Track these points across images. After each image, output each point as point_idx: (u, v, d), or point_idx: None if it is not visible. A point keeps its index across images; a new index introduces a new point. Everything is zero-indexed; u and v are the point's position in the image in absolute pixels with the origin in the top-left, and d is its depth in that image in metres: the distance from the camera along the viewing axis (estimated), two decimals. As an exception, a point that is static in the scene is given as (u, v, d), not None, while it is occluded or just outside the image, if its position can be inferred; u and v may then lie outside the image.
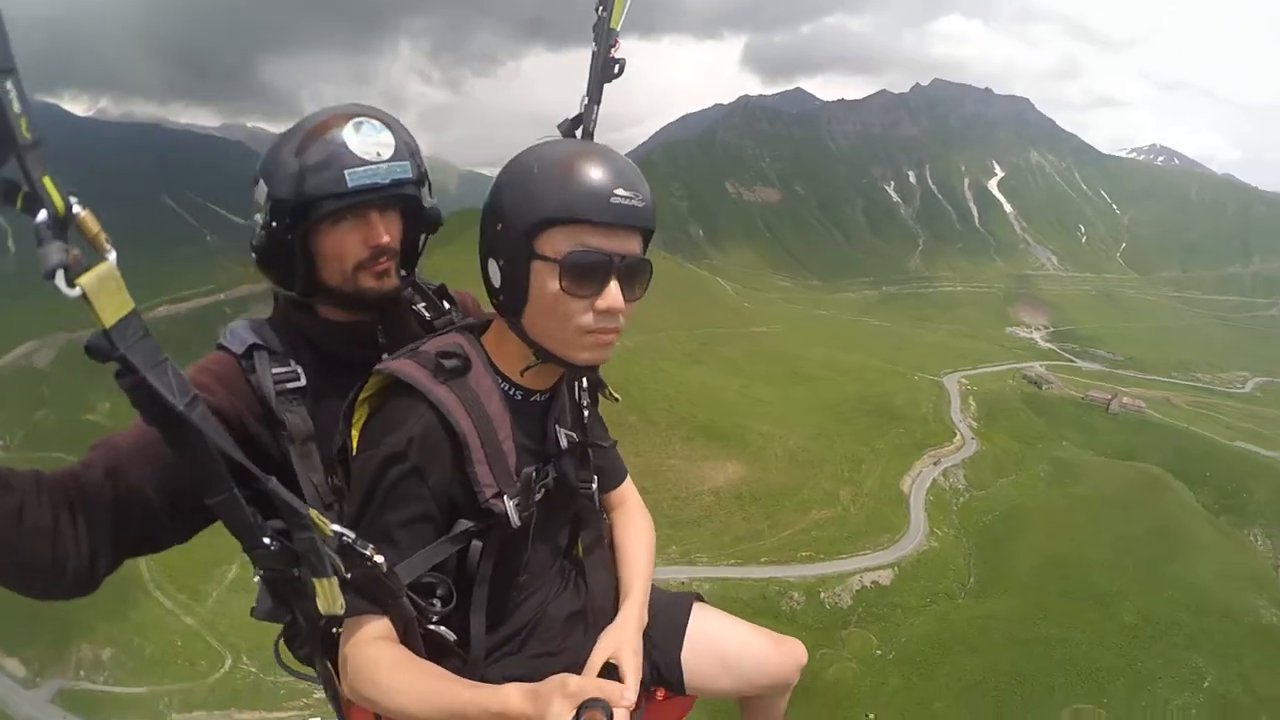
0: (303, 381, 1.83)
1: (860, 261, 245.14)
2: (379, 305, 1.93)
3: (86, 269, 0.98)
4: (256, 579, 1.84)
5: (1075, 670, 51.50)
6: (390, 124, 1.84)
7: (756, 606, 58.34)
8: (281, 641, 2.09)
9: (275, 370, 1.82)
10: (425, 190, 1.94)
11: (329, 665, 1.85)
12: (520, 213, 1.54)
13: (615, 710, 1.26)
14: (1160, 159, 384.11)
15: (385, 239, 1.84)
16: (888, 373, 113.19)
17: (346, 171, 1.75)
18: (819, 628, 58.23)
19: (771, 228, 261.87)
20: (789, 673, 2.31)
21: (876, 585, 63.30)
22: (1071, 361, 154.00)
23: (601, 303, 1.55)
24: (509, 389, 1.72)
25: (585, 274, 1.53)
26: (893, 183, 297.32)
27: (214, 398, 1.71)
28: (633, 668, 1.72)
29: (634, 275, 1.60)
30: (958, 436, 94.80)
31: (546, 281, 1.54)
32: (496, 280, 1.63)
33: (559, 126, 2.22)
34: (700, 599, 2.30)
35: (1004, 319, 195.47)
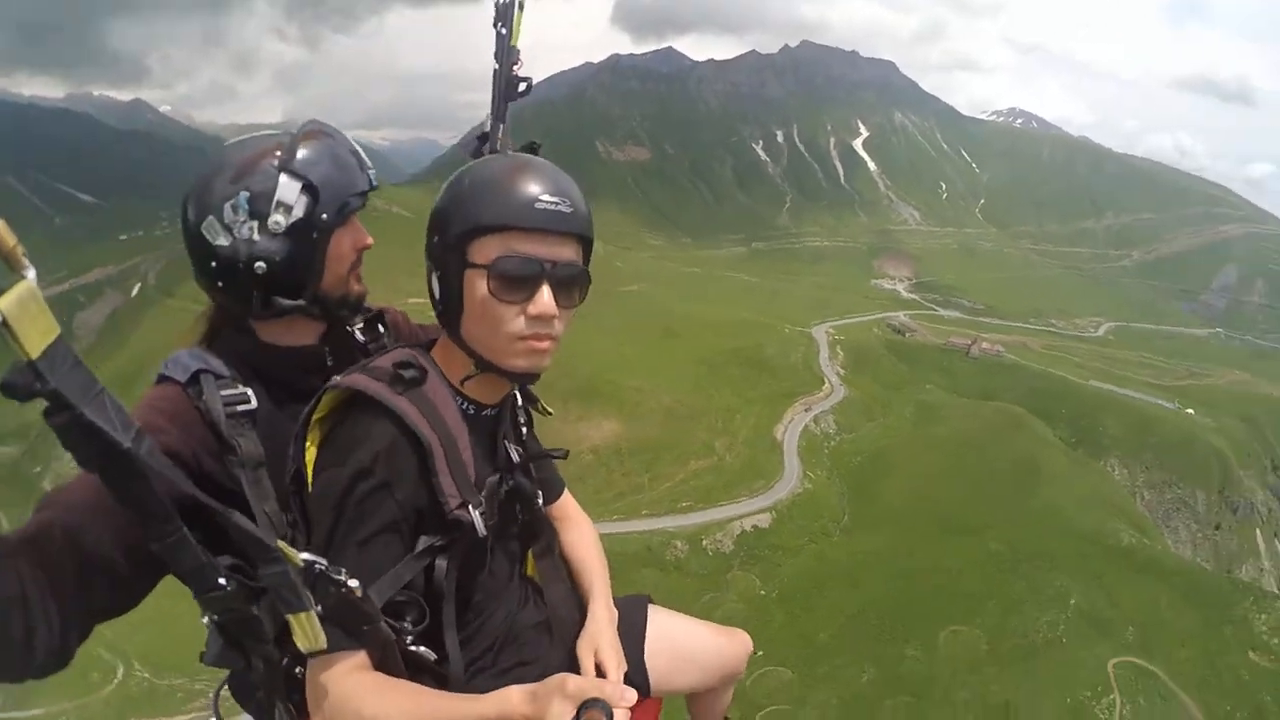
0: (253, 404, 1.73)
1: (730, 219, 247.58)
2: (357, 309, 1.96)
3: (3, 290, 0.84)
4: (205, 621, 1.64)
5: (949, 596, 53.07)
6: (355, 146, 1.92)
7: (643, 558, 58.35)
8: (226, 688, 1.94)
9: (224, 393, 1.70)
10: None
11: (290, 708, 1.73)
12: (453, 223, 1.56)
13: (615, 710, 1.24)
14: (1019, 121, 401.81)
15: (370, 240, 1.90)
16: (758, 325, 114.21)
17: (370, 172, 1.87)
18: (704, 574, 58.87)
19: (642, 186, 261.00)
20: (740, 661, 2.37)
21: (756, 529, 64.22)
22: (933, 310, 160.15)
23: (533, 309, 1.56)
24: (461, 403, 1.70)
25: (515, 279, 1.54)
26: (761, 141, 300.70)
27: (167, 439, 1.59)
28: (616, 665, 1.80)
29: (570, 283, 1.60)
30: (826, 384, 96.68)
31: (478, 288, 1.55)
32: (436, 292, 1.64)
33: (466, 147, 2.21)
34: (651, 600, 2.29)
35: (869, 272, 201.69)
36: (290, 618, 1.32)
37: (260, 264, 1.73)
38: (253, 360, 1.81)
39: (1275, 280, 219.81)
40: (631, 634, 2.09)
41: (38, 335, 0.89)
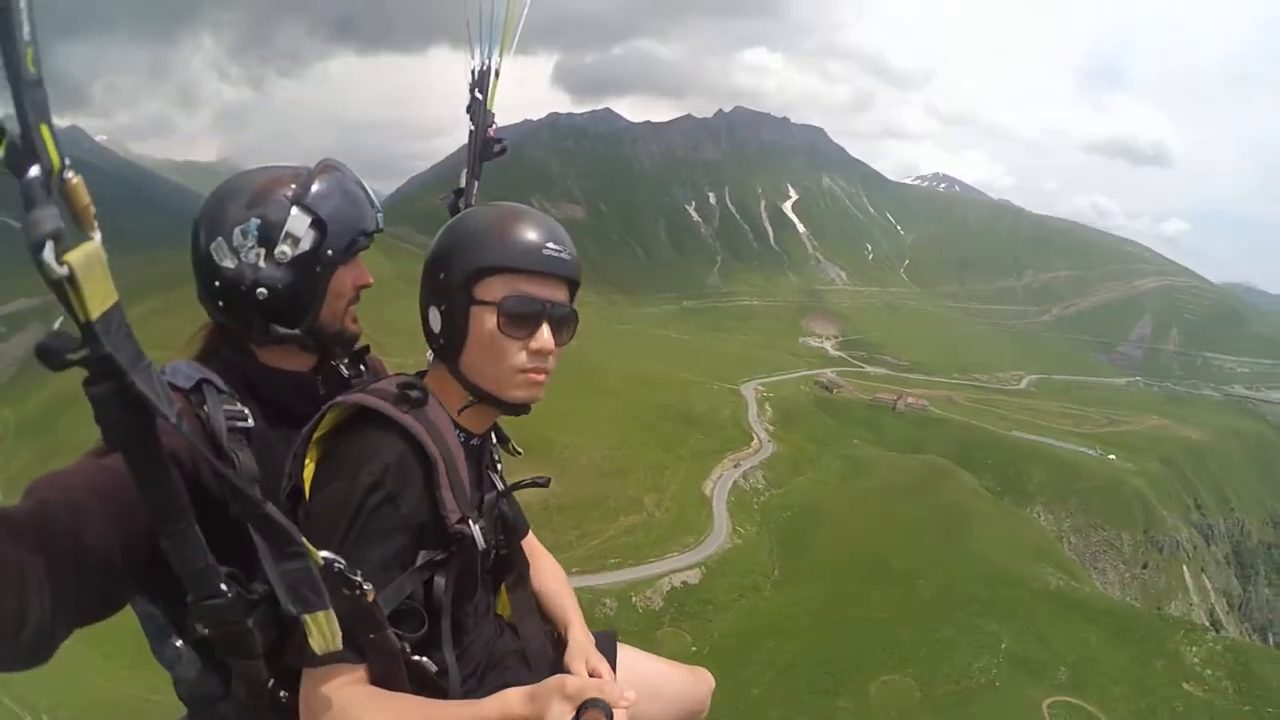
0: (251, 422, 1.74)
1: (662, 277, 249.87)
2: (350, 346, 1.99)
3: (73, 246, 0.82)
4: (180, 644, 1.61)
5: (880, 645, 52.85)
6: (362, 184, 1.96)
7: (571, 617, 57.33)
8: None
9: (225, 408, 1.71)
10: None
11: None
12: (462, 263, 1.66)
13: (615, 710, 1.25)
14: (943, 186, 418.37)
15: (371, 279, 1.94)
16: (688, 383, 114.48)
17: (378, 215, 1.91)
18: (634, 630, 57.53)
19: (577, 244, 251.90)
20: (703, 697, 2.44)
21: (686, 585, 63.41)
22: (860, 367, 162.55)
23: (535, 344, 1.67)
24: (455, 429, 1.76)
25: (521, 317, 1.65)
26: (693, 202, 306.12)
27: (171, 438, 1.39)
28: (607, 672, 1.85)
29: (564, 322, 1.73)
30: (755, 440, 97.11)
31: (486, 324, 1.66)
32: (437, 326, 1.73)
33: (443, 201, 2.44)
34: (616, 636, 2.36)
35: (797, 330, 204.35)
36: (307, 618, 1.31)
37: (262, 290, 1.76)
38: (249, 379, 1.83)
39: (1189, 329, 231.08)
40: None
41: (99, 298, 0.87)
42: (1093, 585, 70.41)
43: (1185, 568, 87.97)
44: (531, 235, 1.67)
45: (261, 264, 1.75)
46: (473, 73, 2.39)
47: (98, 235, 0.85)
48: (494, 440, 2.01)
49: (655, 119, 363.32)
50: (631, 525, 72.51)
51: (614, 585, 61.89)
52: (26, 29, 0.73)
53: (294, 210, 1.75)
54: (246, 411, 1.73)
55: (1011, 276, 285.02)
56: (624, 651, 2.30)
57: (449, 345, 1.71)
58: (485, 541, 1.67)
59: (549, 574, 2.25)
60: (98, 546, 1.37)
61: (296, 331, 1.82)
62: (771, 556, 70.97)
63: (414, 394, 1.64)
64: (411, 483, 1.59)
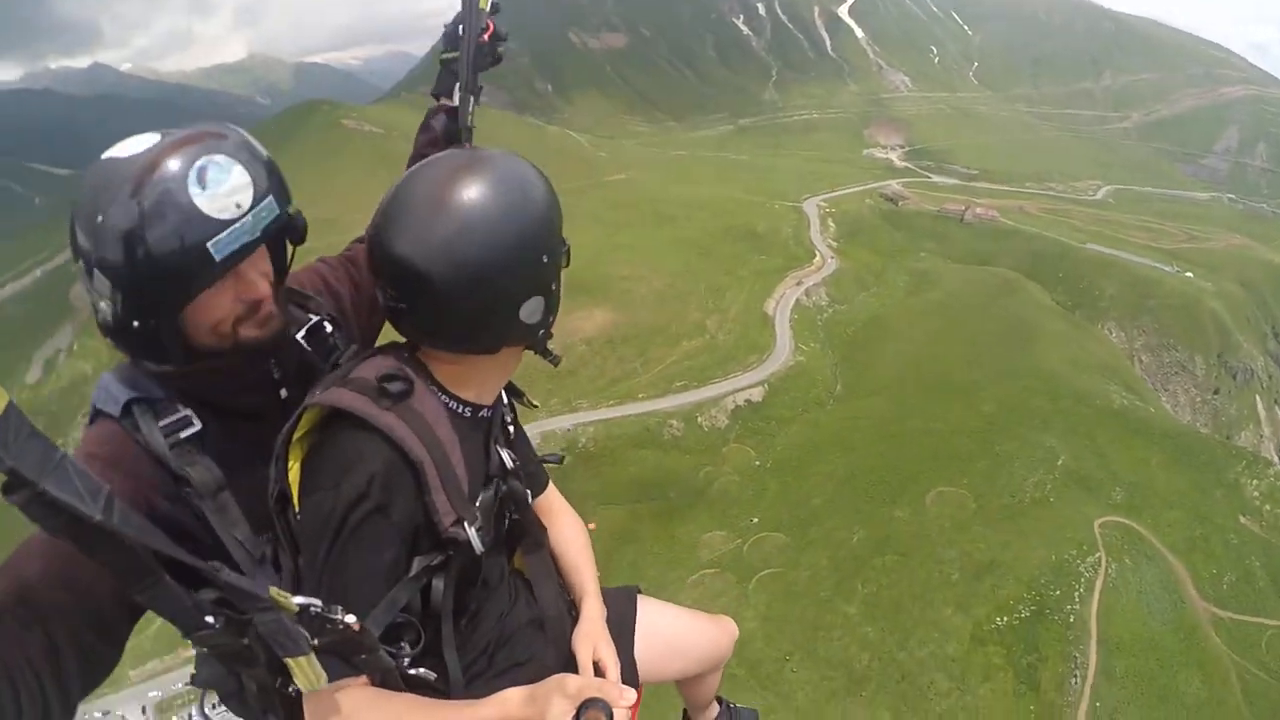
0: (197, 425, 1.53)
1: (714, 98, 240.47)
2: (269, 350, 1.64)
3: None
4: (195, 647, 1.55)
5: (938, 457, 53.45)
6: (231, 149, 1.43)
7: (640, 439, 59.28)
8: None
9: (163, 421, 1.51)
10: (288, 205, 1.55)
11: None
12: (556, 234, 1.59)
13: (615, 710, 1.23)
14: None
15: (262, 290, 1.54)
16: (747, 203, 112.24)
17: (210, 245, 1.37)
18: (700, 449, 59.76)
19: (621, 73, 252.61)
20: (726, 647, 2.40)
21: (750, 403, 64.75)
22: (927, 177, 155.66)
23: None
24: (457, 406, 1.63)
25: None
26: (741, 16, 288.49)
27: (122, 488, 1.41)
28: (614, 663, 1.80)
29: None
30: (818, 257, 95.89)
31: (563, 276, 1.65)
32: (538, 315, 1.59)
33: (432, 121, 2.13)
34: (640, 591, 2.29)
35: (860, 142, 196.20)
36: (289, 662, 1.27)
37: (104, 334, 1.49)
38: (186, 386, 1.57)
39: (1277, 145, 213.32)
40: (622, 628, 2.07)
41: None
42: (1159, 407, 69.01)
43: (1258, 397, 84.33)
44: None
45: (102, 306, 1.43)
46: None
47: None
48: (504, 401, 1.88)
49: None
50: (694, 349, 73.51)
51: (679, 407, 63.46)
52: None
53: (95, 271, 1.37)
54: (190, 415, 1.53)
55: (1089, 78, 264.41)
56: (646, 607, 2.20)
57: (550, 325, 1.67)
58: (482, 545, 1.54)
59: (566, 538, 2.12)
60: (66, 637, 1.32)
61: (166, 368, 1.52)
62: (835, 372, 71.55)
63: (394, 386, 1.48)
64: (401, 489, 1.46)
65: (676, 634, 2.24)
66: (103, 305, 1.42)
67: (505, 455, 1.78)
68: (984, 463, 52.89)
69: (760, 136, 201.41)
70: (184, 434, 1.51)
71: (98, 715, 51.58)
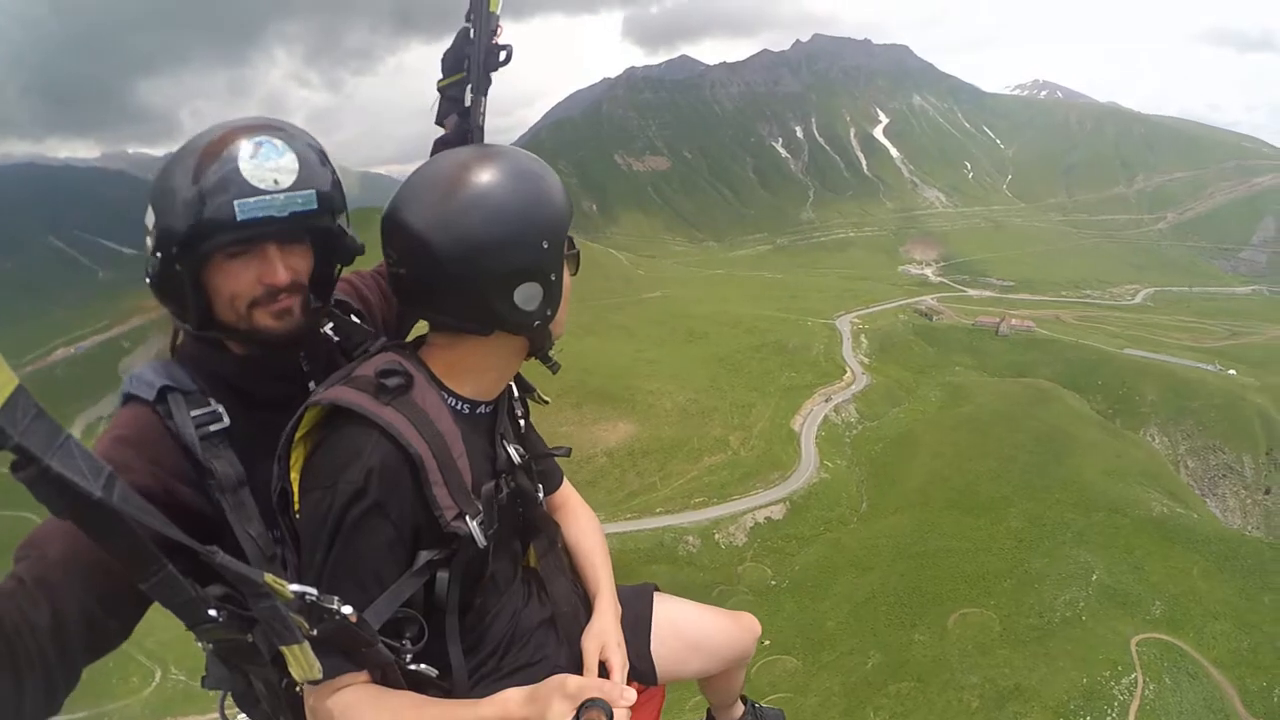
0: (226, 422, 1.61)
1: (753, 218, 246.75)
2: (280, 345, 1.68)
3: None
4: (202, 645, 1.62)
5: (963, 577, 51.69)
6: (296, 144, 1.58)
7: (654, 554, 58.45)
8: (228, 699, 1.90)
9: (194, 413, 1.58)
10: (341, 219, 1.69)
11: None
12: (561, 225, 1.58)
13: (615, 710, 1.23)
14: (1043, 93, 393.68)
15: (282, 277, 1.60)
16: (780, 320, 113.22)
17: (236, 202, 1.49)
18: (715, 567, 58.61)
19: (663, 194, 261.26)
20: (748, 645, 2.37)
21: (769, 521, 63.61)
22: (962, 291, 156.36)
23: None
24: (455, 403, 1.64)
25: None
26: (780, 139, 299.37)
27: (135, 475, 1.48)
28: (620, 663, 1.76)
29: None
30: (849, 373, 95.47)
31: (568, 277, 1.64)
32: (536, 301, 1.59)
33: (441, 121, 2.19)
34: (657, 588, 2.27)
35: (896, 258, 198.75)
36: (284, 650, 1.30)
37: (149, 283, 1.60)
38: (219, 369, 1.67)
39: None
40: (638, 624, 2.08)
41: None
42: (1204, 512, 65.97)
43: (1314, 492, 79.93)
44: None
45: (149, 255, 1.57)
46: None
47: None
48: (515, 396, 1.90)
49: (731, 59, 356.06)
50: (715, 464, 73.03)
51: (697, 523, 62.69)
52: None
53: (148, 208, 1.54)
54: (220, 410, 1.60)
55: (1121, 183, 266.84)
56: (665, 603, 2.20)
57: (554, 313, 1.66)
58: (485, 539, 1.55)
59: (580, 534, 2.10)
60: (74, 602, 1.37)
61: (191, 329, 1.63)
62: (860, 489, 70.23)
63: (392, 382, 1.51)
64: (399, 485, 1.47)
65: (695, 631, 2.21)
66: (148, 242, 1.56)
67: (513, 451, 1.78)
68: (1011, 582, 50.96)
69: (797, 255, 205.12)
70: (213, 428, 1.58)
71: None
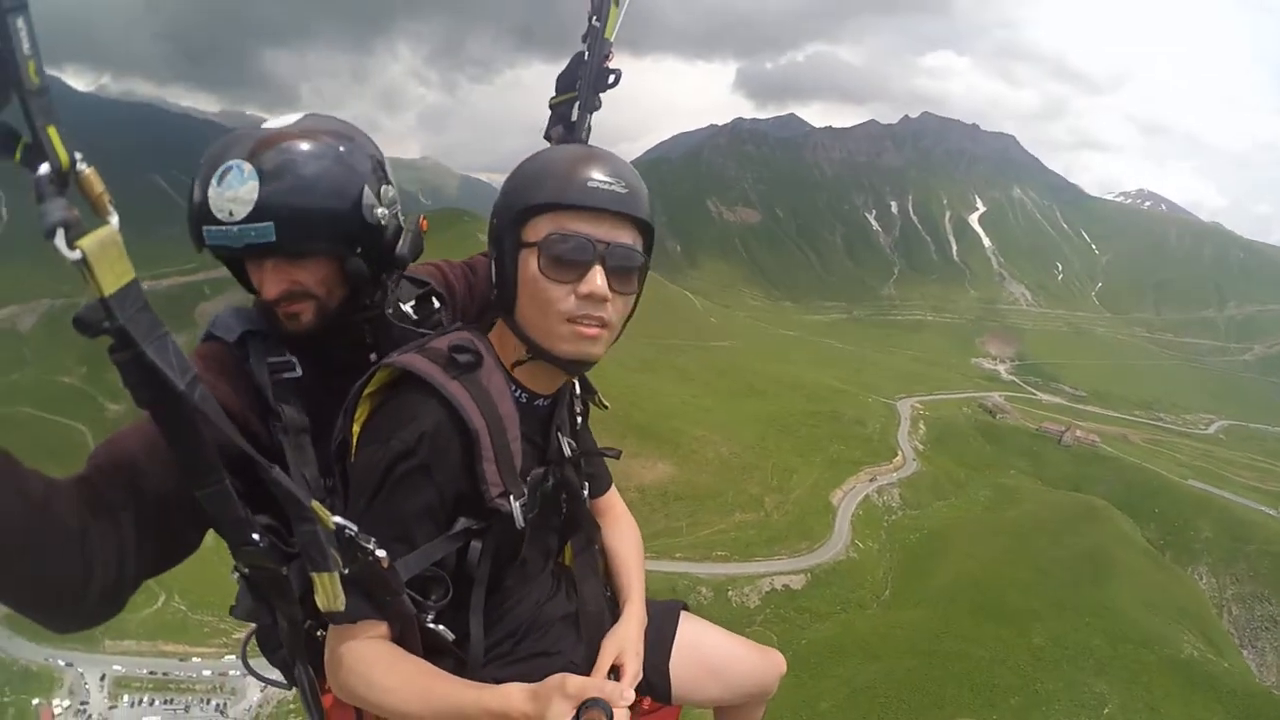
0: (299, 372, 1.69)
1: (834, 285, 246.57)
2: (292, 336, 1.72)
3: (87, 231, 0.90)
4: (235, 577, 1.70)
5: (970, 684, 50.32)
6: (265, 169, 1.55)
7: (663, 598, 58.05)
8: (252, 642, 1.96)
9: (271, 359, 1.67)
10: (343, 236, 1.66)
11: (309, 669, 1.76)
12: (510, 204, 1.54)
13: (615, 710, 1.24)
14: (1148, 204, 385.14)
15: (269, 293, 1.64)
16: (840, 391, 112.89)
17: (204, 228, 1.56)
18: (722, 623, 56.20)
19: (748, 247, 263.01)
20: (771, 681, 2.28)
21: (787, 589, 63.20)
22: (1032, 394, 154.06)
23: (584, 288, 1.50)
24: (517, 391, 1.67)
25: (564, 256, 1.49)
26: (874, 211, 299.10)
27: (218, 393, 1.50)
28: (633, 669, 1.75)
29: (621, 265, 1.54)
30: (899, 456, 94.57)
31: (530, 266, 1.52)
32: (494, 275, 1.62)
33: (549, 135, 2.33)
34: (686, 607, 2.25)
35: (971, 349, 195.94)
36: (314, 576, 1.37)
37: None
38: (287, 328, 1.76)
39: None
40: (660, 639, 2.08)
41: (113, 276, 0.96)
42: (1239, 663, 62.78)
43: (1364, 662, 75.43)
44: (579, 167, 1.52)
45: None
46: (592, 0, 2.30)
47: (114, 219, 0.95)
48: (575, 394, 1.96)
49: (838, 124, 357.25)
50: (745, 522, 73.04)
51: (714, 576, 62.73)
52: (26, 45, 0.81)
53: None
54: (294, 361, 1.71)
55: (1213, 306, 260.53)
56: (691, 625, 2.18)
57: (504, 295, 1.61)
58: (524, 520, 1.60)
59: (619, 540, 2.14)
60: (153, 499, 1.42)
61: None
62: (887, 576, 69.21)
63: (463, 358, 1.57)
64: (448, 453, 1.53)
65: (718, 656, 2.17)
66: None
67: (566, 444, 1.82)
68: (1020, 699, 49.51)
69: (871, 329, 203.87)
70: (285, 375, 1.68)
71: (60, 663, 55.18)
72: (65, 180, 0.88)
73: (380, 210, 1.69)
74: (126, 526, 1.37)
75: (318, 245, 1.64)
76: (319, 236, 1.62)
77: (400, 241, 1.78)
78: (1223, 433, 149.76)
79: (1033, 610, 59.68)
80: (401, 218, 1.80)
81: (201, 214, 1.55)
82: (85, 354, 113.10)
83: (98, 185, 0.92)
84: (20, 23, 0.80)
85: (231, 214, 1.53)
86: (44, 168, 0.86)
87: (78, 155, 0.90)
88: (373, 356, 1.76)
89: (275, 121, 1.68)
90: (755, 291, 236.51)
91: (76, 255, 0.91)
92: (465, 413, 1.52)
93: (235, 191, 1.53)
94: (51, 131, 0.86)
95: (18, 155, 0.86)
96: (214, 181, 1.54)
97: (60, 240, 0.89)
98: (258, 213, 1.53)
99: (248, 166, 1.54)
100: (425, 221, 1.90)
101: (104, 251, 0.94)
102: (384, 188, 1.71)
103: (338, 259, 1.69)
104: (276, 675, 1.95)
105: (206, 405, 1.12)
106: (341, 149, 1.65)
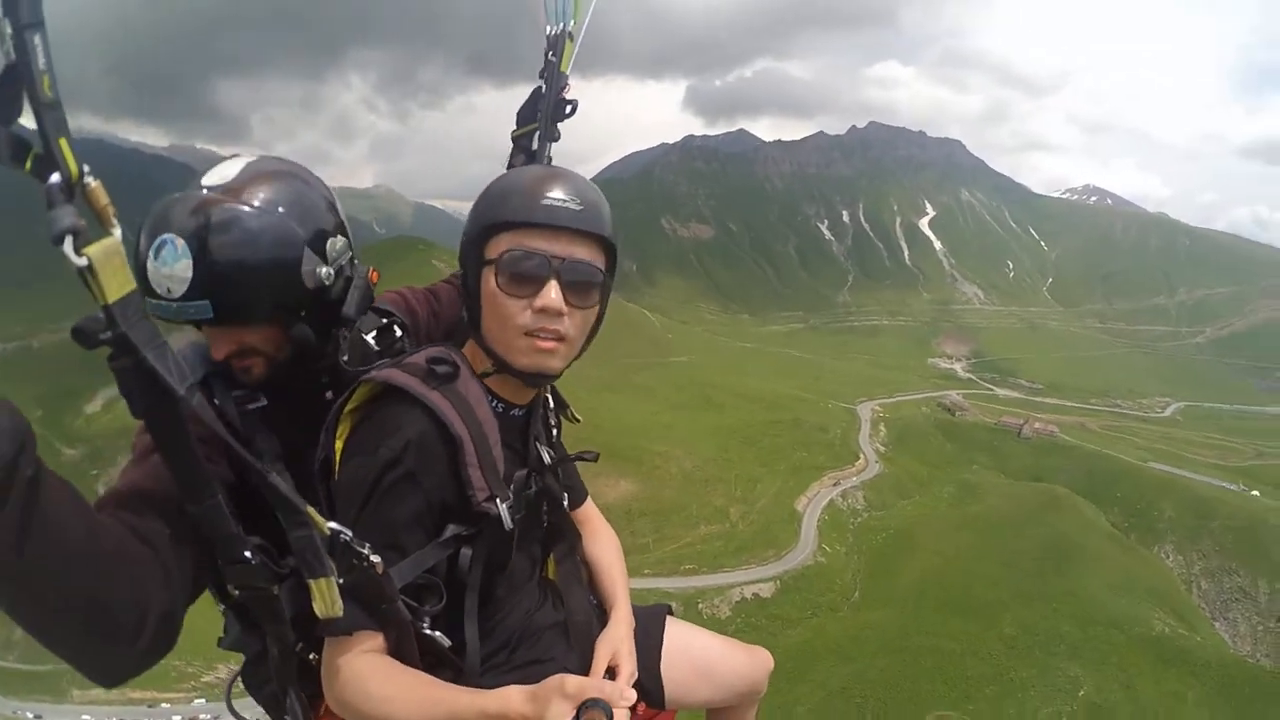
0: (264, 402, 1.68)
1: (790, 296, 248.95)
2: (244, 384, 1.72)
3: (93, 241, 0.94)
4: (222, 609, 1.73)
5: (944, 678, 50.74)
6: (199, 243, 1.51)
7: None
8: (237, 684, 1.95)
9: (235, 393, 1.67)
10: (283, 306, 1.63)
11: (301, 698, 1.74)
12: (475, 223, 1.58)
13: (615, 710, 1.25)
14: (1093, 199, 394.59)
15: (219, 352, 1.66)
16: (800, 399, 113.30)
17: (149, 299, 1.51)
18: (691, 635, 57.64)
19: (703, 262, 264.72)
20: (760, 679, 2.29)
21: (757, 598, 62.92)
22: (989, 390, 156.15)
23: (539, 302, 1.53)
24: (493, 401, 1.70)
25: (521, 272, 1.53)
26: (826, 221, 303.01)
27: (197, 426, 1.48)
28: (629, 670, 1.78)
29: (578, 280, 1.57)
30: (861, 459, 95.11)
31: (489, 283, 1.56)
32: (463, 292, 1.67)
33: (511, 166, 2.33)
34: (671, 611, 2.26)
35: (927, 350, 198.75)
36: (311, 583, 1.36)
37: None
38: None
39: None
40: (649, 644, 2.08)
41: (116, 285, 0.98)
42: (1211, 636, 63.79)
43: (1331, 625, 76.76)
44: (536, 186, 1.55)
45: None
46: (547, 36, 2.36)
47: (118, 231, 0.97)
48: (550, 407, 1.99)
49: (788, 138, 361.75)
50: (711, 534, 72.67)
51: (683, 590, 62.26)
52: (42, 60, 0.84)
53: None
54: (259, 394, 1.70)
55: (1162, 294, 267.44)
56: (679, 628, 2.20)
57: (471, 311, 1.63)
58: (511, 521, 1.61)
59: (600, 549, 2.15)
60: (177, 524, 1.41)
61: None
62: (855, 578, 69.24)
63: (441, 369, 1.59)
64: (434, 460, 1.54)
65: (706, 657, 2.18)
66: None
67: (544, 452, 1.85)
68: (994, 689, 49.86)
69: (828, 336, 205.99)
70: (251, 406, 1.67)
71: (29, 715, 54.75)
72: (74, 191, 0.91)
73: (324, 270, 1.65)
74: (165, 553, 1.37)
75: (258, 316, 1.61)
76: (258, 309, 1.60)
77: (348, 299, 1.76)
78: (1179, 414, 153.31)
79: (1001, 601, 60.27)
80: (353, 265, 1.78)
81: (142, 285, 1.49)
82: (41, 397, 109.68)
83: (103, 198, 0.95)
84: (37, 39, 0.83)
85: (169, 291, 1.50)
86: (55, 177, 0.89)
87: (86, 168, 0.94)
88: (328, 395, 1.75)
89: (218, 171, 1.63)
90: (712, 306, 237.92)
91: (83, 262, 0.93)
92: (448, 420, 1.54)
93: (170, 269, 1.49)
94: (63, 143, 0.89)
95: (28, 165, 0.89)
96: (150, 255, 1.50)
97: (68, 246, 0.91)
98: (193, 291, 1.50)
99: (180, 243, 1.49)
100: (375, 274, 1.90)
101: (108, 260, 0.97)
102: (331, 241, 1.68)
103: (281, 324, 1.67)
104: (260, 714, 1.93)
105: (204, 413, 1.13)
106: (281, 210, 1.59)
